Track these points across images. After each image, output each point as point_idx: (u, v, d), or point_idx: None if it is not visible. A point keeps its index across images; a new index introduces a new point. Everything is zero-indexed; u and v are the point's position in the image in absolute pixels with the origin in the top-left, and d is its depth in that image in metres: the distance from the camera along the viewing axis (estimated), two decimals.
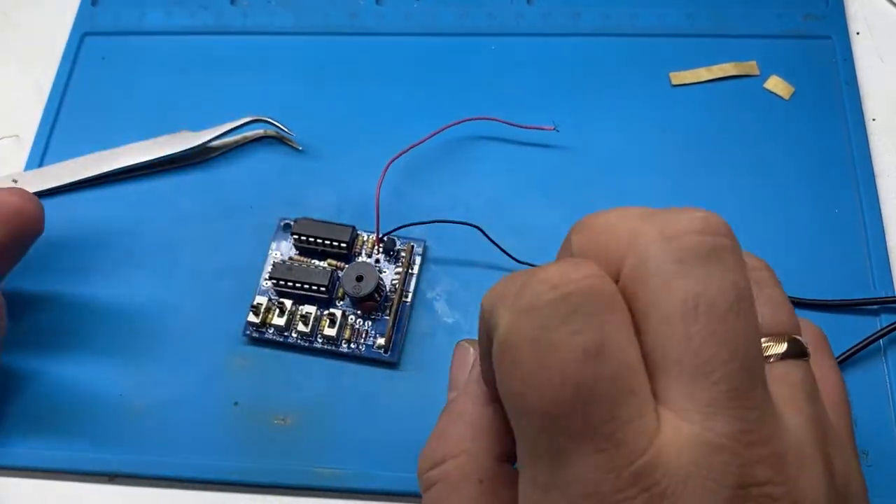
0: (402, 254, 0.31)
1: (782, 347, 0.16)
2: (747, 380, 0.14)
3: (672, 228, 0.15)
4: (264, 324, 0.30)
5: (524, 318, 0.15)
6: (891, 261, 0.30)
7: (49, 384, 0.30)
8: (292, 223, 0.31)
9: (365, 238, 0.31)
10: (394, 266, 0.31)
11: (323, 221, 0.31)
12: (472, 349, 0.21)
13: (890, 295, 0.29)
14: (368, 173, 0.33)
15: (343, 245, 0.30)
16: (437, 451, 0.19)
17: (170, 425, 0.29)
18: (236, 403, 0.29)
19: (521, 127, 0.33)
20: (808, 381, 0.16)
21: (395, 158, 0.31)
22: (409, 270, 0.31)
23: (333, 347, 0.29)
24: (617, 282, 0.16)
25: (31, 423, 0.29)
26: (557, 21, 0.37)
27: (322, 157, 0.34)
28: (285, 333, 0.30)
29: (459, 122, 0.32)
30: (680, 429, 0.14)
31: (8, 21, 0.40)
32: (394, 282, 0.30)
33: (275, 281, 0.30)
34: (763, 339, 0.16)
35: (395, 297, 0.30)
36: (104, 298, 0.31)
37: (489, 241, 0.30)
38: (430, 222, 0.30)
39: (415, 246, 0.31)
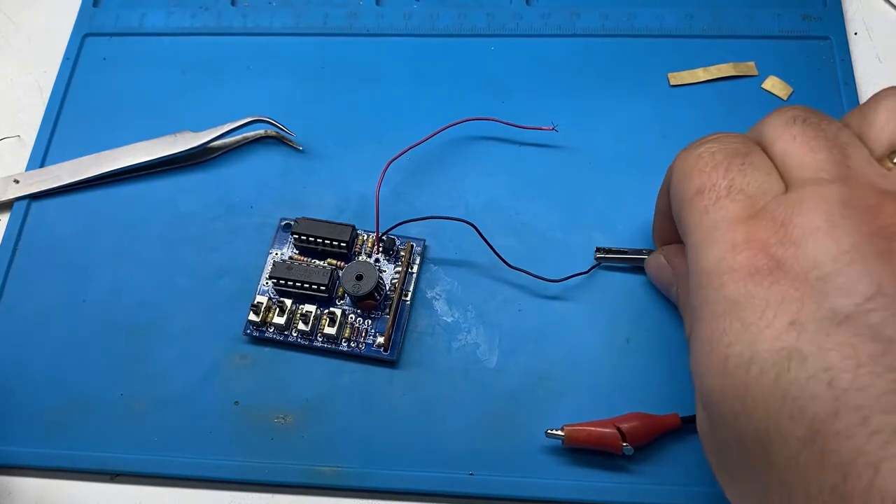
0: (402, 253, 0.31)
1: None
2: (844, 156, 0.20)
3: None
4: (264, 323, 0.30)
5: (689, 159, 0.23)
6: None
7: (50, 383, 0.30)
8: (292, 223, 0.31)
9: (365, 237, 0.31)
10: (393, 265, 0.31)
11: (323, 221, 0.31)
12: (660, 257, 0.29)
13: None
14: (368, 173, 0.33)
15: (343, 244, 0.30)
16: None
17: (170, 424, 0.29)
18: (236, 402, 0.29)
19: (521, 127, 0.33)
20: None
21: (395, 158, 0.31)
22: (409, 270, 0.31)
23: (333, 346, 0.29)
24: None
25: (33, 422, 0.29)
26: (556, 22, 0.37)
27: (322, 157, 0.34)
28: (285, 332, 0.30)
29: (459, 123, 0.32)
30: (800, 186, 0.20)
31: (9, 22, 0.40)
32: (393, 281, 0.30)
33: (275, 280, 0.30)
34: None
35: (395, 295, 0.30)
36: (105, 298, 0.31)
37: (493, 246, 0.30)
38: (425, 218, 0.30)
39: (414, 245, 0.31)
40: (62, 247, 0.33)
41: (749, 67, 0.35)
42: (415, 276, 0.31)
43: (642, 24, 0.36)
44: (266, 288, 0.31)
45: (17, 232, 0.33)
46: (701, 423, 0.22)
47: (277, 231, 0.32)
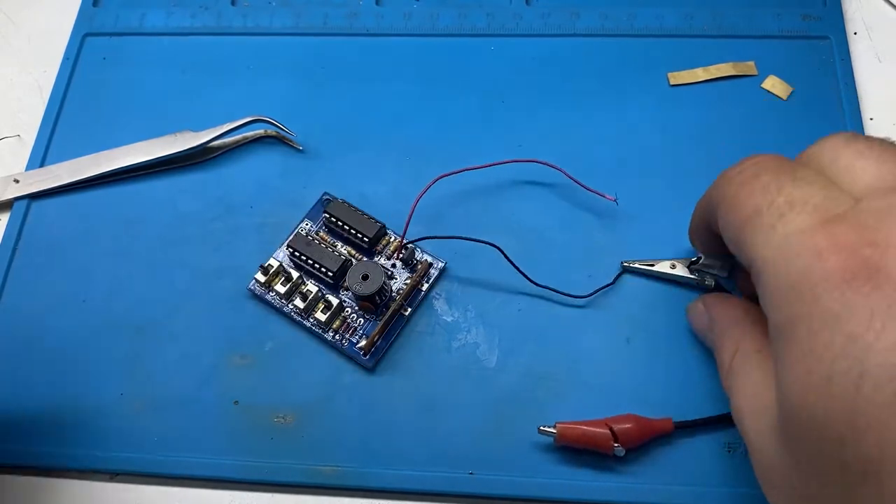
0: (419, 267, 0.31)
1: None
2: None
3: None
4: (268, 285, 0.30)
5: (732, 184, 0.23)
6: None
7: (49, 383, 0.30)
8: (332, 200, 0.31)
9: (391, 239, 0.31)
10: (407, 276, 0.31)
11: (358, 210, 0.31)
12: (699, 304, 0.28)
13: None
14: (367, 173, 0.33)
15: (367, 239, 0.31)
16: (725, 358, 0.25)
17: (170, 423, 0.29)
18: (236, 402, 0.29)
19: (584, 188, 0.31)
20: None
21: (448, 175, 0.30)
22: (419, 287, 0.31)
23: (320, 332, 0.30)
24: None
25: (33, 421, 0.29)
26: (556, 21, 0.37)
27: (322, 156, 0.34)
28: (283, 301, 0.30)
29: (521, 161, 0.32)
30: (881, 194, 0.19)
31: (9, 21, 0.40)
32: (400, 291, 0.30)
33: (291, 250, 0.30)
34: None
35: (394, 305, 0.30)
36: (104, 297, 0.31)
37: (505, 265, 0.30)
38: (453, 237, 0.30)
39: (433, 263, 0.31)
40: (62, 246, 0.33)
41: (749, 67, 0.35)
42: (423, 293, 0.31)
43: (642, 23, 0.36)
44: (283, 255, 0.31)
45: (17, 232, 0.33)
46: (771, 460, 0.20)
47: (316, 203, 0.33)
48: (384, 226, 0.31)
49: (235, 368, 0.30)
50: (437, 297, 0.31)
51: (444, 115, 0.35)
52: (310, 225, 0.32)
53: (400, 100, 0.35)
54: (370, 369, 0.29)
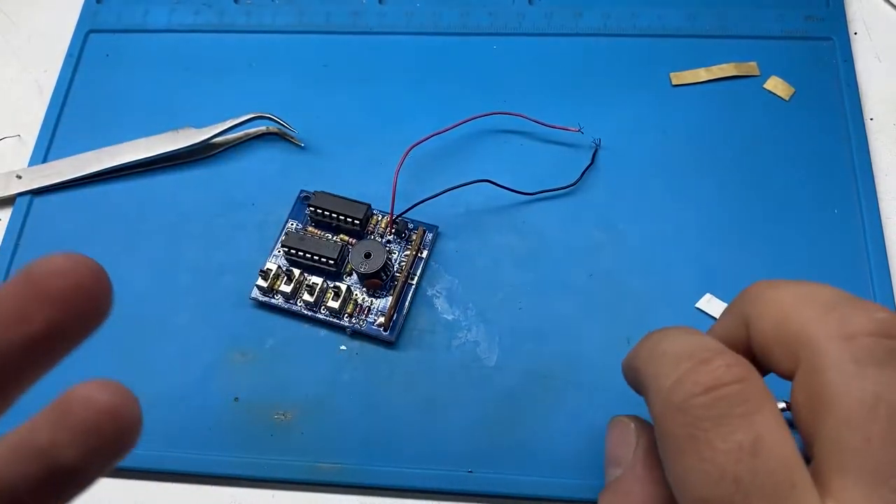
0: (413, 237, 0.31)
1: None
2: None
3: (851, 327, 0.16)
4: (272, 290, 0.30)
5: (679, 414, 0.16)
6: (889, 260, 0.30)
7: (49, 380, 0.30)
8: (311, 195, 0.31)
9: (379, 218, 0.32)
10: (403, 249, 0.31)
11: (340, 197, 0.31)
12: (632, 425, 0.20)
13: (888, 294, 0.29)
14: (369, 170, 0.33)
15: (357, 222, 0.31)
16: None
17: (171, 420, 0.29)
18: (237, 399, 0.29)
19: (546, 126, 0.33)
20: None
21: (419, 143, 0.31)
22: (419, 254, 0.31)
23: (336, 319, 0.30)
24: (790, 375, 0.17)
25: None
26: (559, 21, 0.37)
27: (323, 154, 0.34)
28: (290, 301, 0.30)
29: (485, 115, 0.33)
30: None
31: (11, 20, 0.40)
32: (402, 263, 0.30)
33: (286, 249, 0.30)
34: None
35: (401, 277, 0.30)
36: None
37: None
38: (440, 193, 0.31)
39: (426, 231, 0.31)
40: (64, 242, 0.33)
41: (751, 67, 0.35)
42: (423, 261, 0.31)
43: (645, 23, 0.36)
44: (278, 256, 0.31)
45: (20, 227, 0.33)
46: None
47: (296, 202, 0.33)
48: (370, 206, 0.31)
49: (236, 365, 0.30)
50: (438, 295, 0.31)
51: (445, 113, 0.35)
52: (295, 224, 0.32)
53: (401, 98, 0.35)
54: (392, 343, 0.29)
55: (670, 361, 0.17)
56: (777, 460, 0.15)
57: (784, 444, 0.15)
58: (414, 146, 0.31)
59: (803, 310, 0.17)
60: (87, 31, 0.38)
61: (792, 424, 0.17)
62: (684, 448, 0.15)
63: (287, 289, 0.30)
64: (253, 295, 0.30)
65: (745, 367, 0.16)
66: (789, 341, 0.17)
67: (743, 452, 0.15)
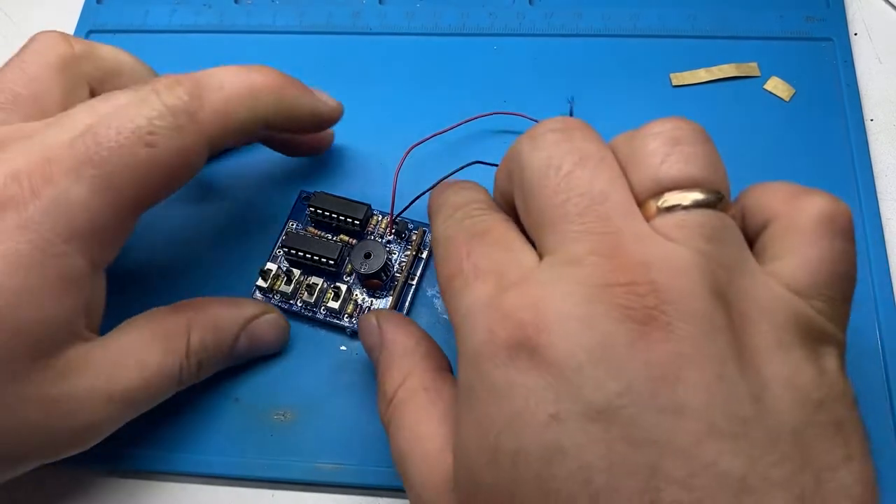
0: (413, 237, 0.31)
1: (688, 198, 0.18)
2: (599, 218, 0.18)
3: (534, 130, 0.20)
4: (271, 290, 0.30)
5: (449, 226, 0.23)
6: (889, 260, 0.30)
7: None
8: (311, 196, 0.31)
9: (379, 219, 0.32)
10: (404, 249, 0.31)
11: (340, 197, 0.31)
12: (372, 316, 0.26)
13: (888, 294, 0.29)
14: (369, 170, 0.33)
15: (357, 222, 0.31)
16: (388, 388, 0.23)
17: (170, 420, 0.29)
18: (236, 399, 0.29)
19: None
20: (710, 225, 0.18)
21: (419, 143, 0.31)
22: (419, 255, 0.31)
23: (336, 320, 0.30)
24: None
25: None
26: (559, 21, 0.37)
27: (323, 154, 0.34)
28: (290, 301, 0.30)
29: (485, 115, 0.33)
30: (552, 263, 0.18)
31: (11, 20, 0.40)
32: (402, 263, 0.30)
33: (286, 249, 0.30)
34: (668, 191, 0.19)
35: (401, 277, 0.30)
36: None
37: None
38: (435, 185, 0.30)
39: (426, 231, 0.31)
40: None
41: (751, 68, 0.35)
42: (423, 261, 0.31)
43: (645, 24, 0.36)
44: (278, 257, 0.31)
45: None
46: None
47: (296, 202, 0.33)
48: (370, 206, 0.31)
49: (235, 366, 0.30)
50: (438, 295, 0.31)
51: (445, 114, 0.34)
52: (295, 224, 0.32)
53: (402, 99, 0.35)
54: None
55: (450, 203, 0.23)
56: (490, 222, 0.22)
57: (497, 213, 0.22)
58: (414, 146, 0.31)
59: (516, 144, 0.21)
60: (87, 32, 0.38)
61: None
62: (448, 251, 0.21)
63: (287, 289, 0.30)
64: (253, 295, 0.30)
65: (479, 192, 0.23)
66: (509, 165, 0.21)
67: (471, 235, 0.21)
